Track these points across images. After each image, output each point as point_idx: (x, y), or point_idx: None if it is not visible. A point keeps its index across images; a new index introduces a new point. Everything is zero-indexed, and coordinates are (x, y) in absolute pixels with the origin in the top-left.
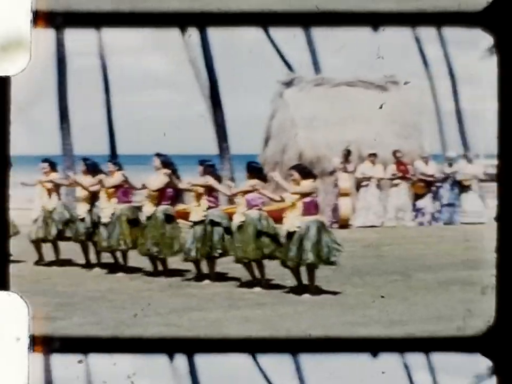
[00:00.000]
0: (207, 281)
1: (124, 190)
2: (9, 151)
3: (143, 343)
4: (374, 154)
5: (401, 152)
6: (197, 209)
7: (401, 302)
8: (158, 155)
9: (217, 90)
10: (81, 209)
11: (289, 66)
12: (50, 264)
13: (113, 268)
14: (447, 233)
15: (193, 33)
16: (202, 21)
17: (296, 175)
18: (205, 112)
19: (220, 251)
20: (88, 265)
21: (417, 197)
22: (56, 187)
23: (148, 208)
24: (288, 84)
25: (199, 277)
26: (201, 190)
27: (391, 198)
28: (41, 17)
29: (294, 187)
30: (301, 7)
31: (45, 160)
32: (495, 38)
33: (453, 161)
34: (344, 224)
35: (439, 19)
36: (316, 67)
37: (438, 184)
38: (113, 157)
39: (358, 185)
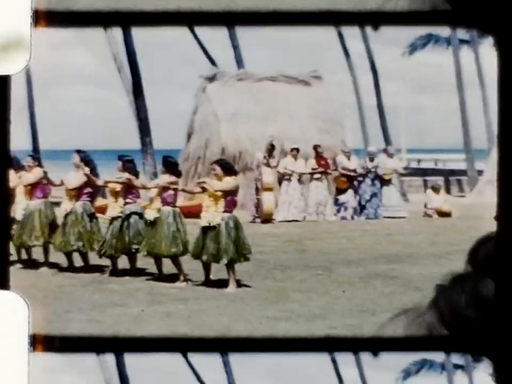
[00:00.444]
0: (128, 277)
1: (41, 186)
2: (10, 150)
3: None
4: (296, 149)
5: (321, 147)
6: (114, 205)
7: (323, 296)
8: (78, 152)
9: (140, 86)
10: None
11: (212, 61)
12: None
13: (31, 264)
14: (369, 228)
15: (116, 30)
16: (126, 20)
17: (218, 170)
18: (128, 107)
19: (136, 246)
20: None
21: (340, 191)
22: None
23: (66, 205)
24: (211, 78)
25: (117, 272)
26: (118, 186)
27: (311, 193)
28: (41, 17)
29: (217, 184)
30: (226, 6)
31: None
32: (494, 38)
33: (374, 156)
34: (267, 219)
35: (437, 19)
36: (239, 62)
37: (360, 178)
38: (35, 152)
39: (281, 180)
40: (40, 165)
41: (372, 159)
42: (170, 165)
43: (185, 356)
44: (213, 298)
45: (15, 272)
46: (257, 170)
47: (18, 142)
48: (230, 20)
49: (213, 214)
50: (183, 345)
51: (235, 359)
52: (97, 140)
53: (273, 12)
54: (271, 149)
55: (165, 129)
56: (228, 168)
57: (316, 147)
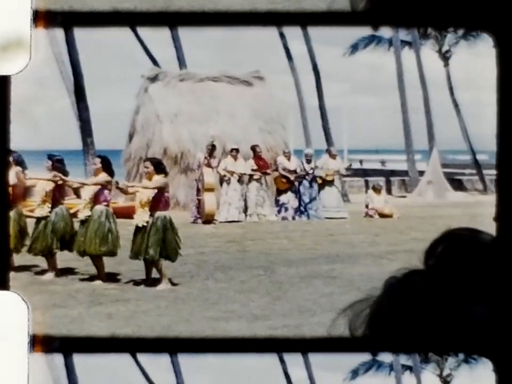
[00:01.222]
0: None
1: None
2: (9, 150)
3: None
4: (236, 149)
5: (259, 147)
6: (42, 205)
7: (264, 296)
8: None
9: (81, 85)
10: None
11: (154, 62)
12: None
13: None
14: (310, 228)
15: (58, 30)
16: (67, 21)
17: (151, 168)
18: (69, 107)
19: (58, 246)
20: None
21: (280, 192)
22: None
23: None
24: (153, 78)
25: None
26: (48, 186)
27: (250, 193)
28: (41, 17)
29: (147, 182)
30: (165, 7)
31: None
32: (494, 38)
33: (311, 157)
34: (208, 220)
35: (437, 19)
36: (181, 62)
37: (299, 180)
38: None
39: (222, 180)
40: None
41: (309, 161)
42: (105, 164)
43: (134, 356)
44: (154, 299)
45: None
46: (199, 170)
47: None
48: (169, 20)
49: (142, 214)
50: (130, 346)
51: (183, 359)
52: (38, 140)
53: (211, 13)
54: (212, 149)
55: (106, 129)
56: (160, 168)
57: (254, 147)
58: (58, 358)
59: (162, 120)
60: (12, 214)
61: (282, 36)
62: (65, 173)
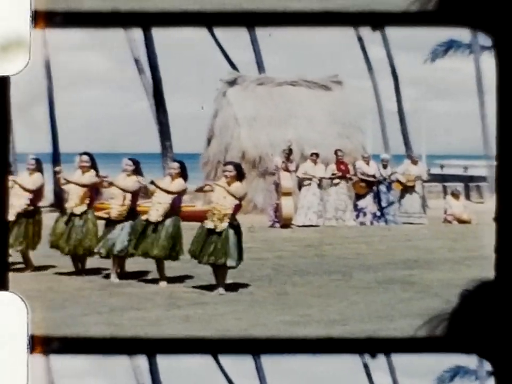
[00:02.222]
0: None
1: (39, 191)
2: (10, 151)
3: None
4: (315, 154)
5: (342, 152)
6: (120, 208)
7: (341, 301)
8: (85, 154)
9: (160, 89)
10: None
11: (233, 66)
12: None
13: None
14: (388, 233)
15: (137, 33)
16: (146, 21)
17: (233, 172)
18: (148, 111)
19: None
20: None
21: (359, 197)
22: None
23: (73, 205)
24: (232, 82)
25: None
26: (127, 189)
27: (330, 198)
28: (40, 17)
29: (227, 187)
30: (248, 6)
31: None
32: (493, 39)
33: (388, 162)
34: (286, 224)
35: (437, 20)
36: (260, 66)
37: (378, 184)
38: (55, 155)
39: (300, 184)
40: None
41: (385, 166)
42: (184, 169)
43: (215, 358)
44: (231, 302)
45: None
46: (276, 175)
47: (37, 144)
48: (249, 20)
49: (218, 218)
50: (210, 347)
51: (266, 362)
52: (118, 143)
53: (290, 13)
54: (289, 153)
55: (185, 133)
56: (240, 171)
57: (336, 152)
58: (143, 360)
59: (240, 124)
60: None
61: (360, 39)
62: (142, 176)
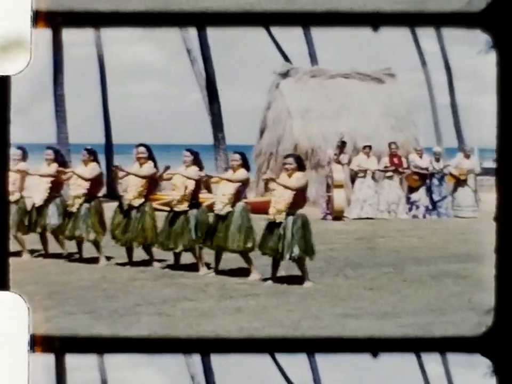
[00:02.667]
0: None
1: (97, 181)
2: (9, 150)
3: (152, 342)
4: (368, 147)
5: (396, 145)
6: (181, 201)
7: (393, 294)
8: (142, 145)
9: (213, 81)
10: (39, 199)
11: (285, 58)
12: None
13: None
14: (441, 226)
15: (191, 28)
16: (201, 21)
17: (294, 165)
18: (201, 103)
19: (201, 241)
20: (47, 256)
21: (412, 190)
22: (22, 177)
23: (133, 197)
24: (285, 74)
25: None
26: (188, 181)
27: (384, 191)
28: (41, 17)
29: (289, 180)
30: (300, 7)
31: (19, 147)
32: (493, 38)
33: (440, 155)
34: (338, 216)
35: (438, 19)
36: (312, 59)
37: (431, 177)
38: (108, 147)
39: (353, 177)
40: (95, 160)
41: (437, 159)
42: (245, 160)
43: (272, 355)
44: (284, 294)
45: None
46: (328, 167)
47: (91, 135)
48: (304, 20)
49: (280, 210)
50: (264, 346)
51: (319, 356)
52: (170, 134)
53: (344, 13)
54: (341, 146)
55: (237, 124)
56: (301, 163)
57: (390, 145)
58: (196, 358)
59: (293, 116)
60: (147, 207)
61: (414, 33)
62: (202, 168)
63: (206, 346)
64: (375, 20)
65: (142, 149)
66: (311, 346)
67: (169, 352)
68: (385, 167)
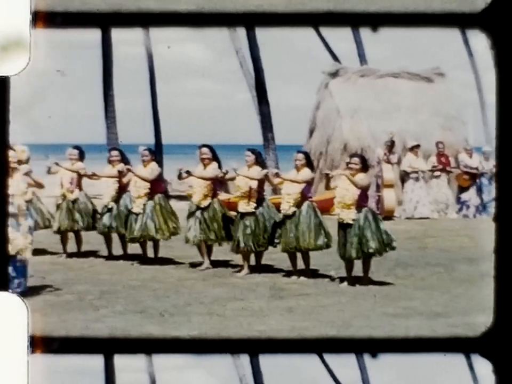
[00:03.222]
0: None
1: (156, 181)
2: (9, 151)
3: (201, 343)
4: (417, 146)
5: (442, 144)
6: (247, 201)
7: (444, 293)
8: (205, 146)
9: (262, 80)
10: (106, 200)
11: (334, 57)
12: (72, 255)
13: (142, 259)
14: (491, 226)
15: (240, 28)
16: (251, 21)
17: (358, 165)
18: (250, 102)
19: (274, 242)
20: (111, 257)
21: (462, 189)
22: (80, 177)
23: (200, 199)
24: (334, 74)
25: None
26: (251, 181)
27: (432, 190)
28: (40, 17)
29: (354, 180)
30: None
31: (76, 147)
32: (492, 39)
33: (489, 155)
34: (388, 216)
35: (438, 20)
36: (361, 58)
37: (481, 177)
38: (158, 146)
39: (403, 177)
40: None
41: (487, 159)
42: (309, 159)
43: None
44: (334, 294)
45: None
46: (378, 166)
47: (140, 135)
48: (354, 21)
49: (348, 210)
50: (312, 346)
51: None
52: (218, 134)
53: (392, 14)
54: (391, 145)
55: (286, 124)
56: (365, 164)
57: (437, 144)
58: (245, 359)
59: (342, 116)
60: (215, 205)
61: (463, 32)
62: (266, 167)
63: (254, 347)
64: (375, 20)
65: (205, 149)
66: (360, 346)
67: (217, 353)
68: (433, 166)
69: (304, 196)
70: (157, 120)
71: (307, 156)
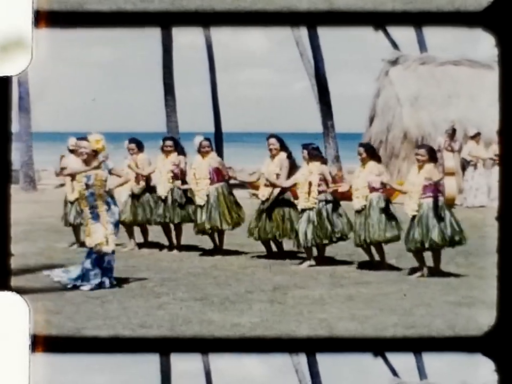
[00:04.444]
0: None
1: (217, 170)
2: (11, 151)
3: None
4: (478, 134)
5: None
6: (307, 195)
7: None
8: (273, 137)
9: (322, 69)
10: (162, 191)
11: (394, 45)
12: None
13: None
14: None
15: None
16: (312, 20)
17: (426, 157)
18: (309, 90)
19: (338, 235)
20: (172, 248)
21: None
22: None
23: (264, 192)
24: (394, 62)
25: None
26: (310, 177)
27: (493, 179)
28: (42, 17)
29: (422, 173)
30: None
31: (132, 140)
32: (496, 38)
33: None
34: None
35: (440, 18)
36: (421, 46)
37: None
38: (217, 134)
39: (464, 165)
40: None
41: None
42: (370, 151)
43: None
44: (395, 282)
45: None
46: (439, 155)
47: (200, 124)
48: (418, 20)
49: (413, 202)
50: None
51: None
52: (279, 123)
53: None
54: (452, 133)
55: (346, 112)
56: (433, 155)
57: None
58: (302, 359)
59: (402, 104)
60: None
61: None
62: (325, 161)
63: (309, 345)
64: (377, 19)
65: (272, 140)
66: (417, 344)
67: (273, 351)
68: (495, 155)
69: (372, 188)
70: (217, 109)
71: (368, 147)
